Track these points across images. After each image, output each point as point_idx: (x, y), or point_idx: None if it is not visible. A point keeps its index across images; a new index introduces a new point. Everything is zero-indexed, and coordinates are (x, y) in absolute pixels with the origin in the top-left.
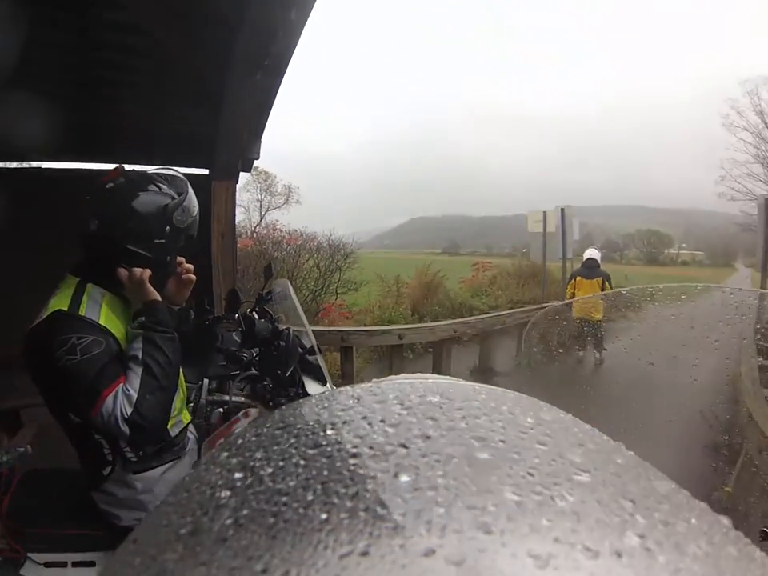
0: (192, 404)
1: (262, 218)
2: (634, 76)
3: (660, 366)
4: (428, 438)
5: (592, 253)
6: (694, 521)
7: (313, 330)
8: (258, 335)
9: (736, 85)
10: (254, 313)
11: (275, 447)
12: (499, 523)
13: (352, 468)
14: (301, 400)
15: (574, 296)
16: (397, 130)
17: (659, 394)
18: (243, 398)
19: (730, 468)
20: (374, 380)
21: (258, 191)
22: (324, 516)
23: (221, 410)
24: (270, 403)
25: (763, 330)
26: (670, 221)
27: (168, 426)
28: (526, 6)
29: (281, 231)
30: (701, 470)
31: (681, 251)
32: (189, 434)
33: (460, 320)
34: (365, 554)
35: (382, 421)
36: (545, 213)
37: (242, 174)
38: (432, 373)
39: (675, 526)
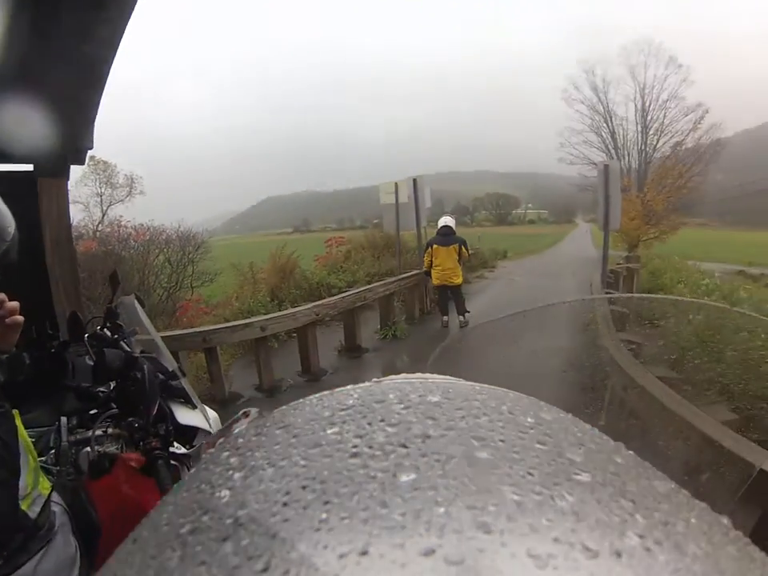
0: (53, 450)
1: (104, 215)
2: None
3: (531, 326)
4: (428, 437)
5: (447, 220)
6: (693, 520)
7: (173, 335)
8: (110, 367)
9: (574, 63)
10: (104, 330)
11: (275, 447)
12: (499, 523)
13: (352, 468)
14: (301, 400)
15: (431, 264)
16: (244, 108)
17: (532, 347)
18: (110, 438)
19: (600, 404)
20: (374, 379)
21: (97, 184)
22: (324, 515)
23: (88, 449)
24: (141, 443)
25: (609, 280)
26: (516, 183)
27: (25, 508)
28: None
29: (126, 228)
30: (578, 409)
31: (528, 210)
32: (53, 505)
33: (320, 302)
34: (364, 553)
35: (381, 420)
36: (396, 184)
37: (74, 167)
38: (300, 358)
39: (675, 525)
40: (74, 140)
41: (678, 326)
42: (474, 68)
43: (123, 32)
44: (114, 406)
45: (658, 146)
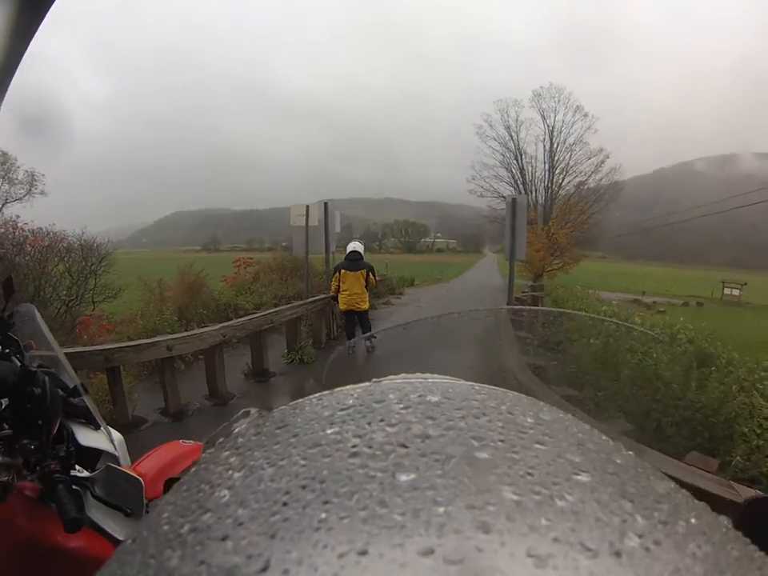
0: None
1: None
2: (406, 76)
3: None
4: (427, 437)
5: (355, 246)
6: (693, 520)
7: (72, 352)
8: (2, 382)
9: (490, 102)
10: None
11: (275, 446)
12: (498, 523)
13: (351, 467)
14: (301, 400)
15: (338, 288)
16: (156, 110)
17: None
18: (2, 461)
19: None
20: (374, 379)
21: None
22: (323, 515)
23: None
24: (37, 467)
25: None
26: (425, 213)
27: None
28: None
29: (23, 230)
30: None
31: (436, 239)
32: None
33: (228, 323)
34: (364, 552)
35: (381, 420)
36: (307, 207)
37: None
38: (206, 381)
39: (674, 525)
40: None
41: (577, 340)
42: (391, 98)
43: (38, 24)
44: (6, 427)
45: (563, 185)
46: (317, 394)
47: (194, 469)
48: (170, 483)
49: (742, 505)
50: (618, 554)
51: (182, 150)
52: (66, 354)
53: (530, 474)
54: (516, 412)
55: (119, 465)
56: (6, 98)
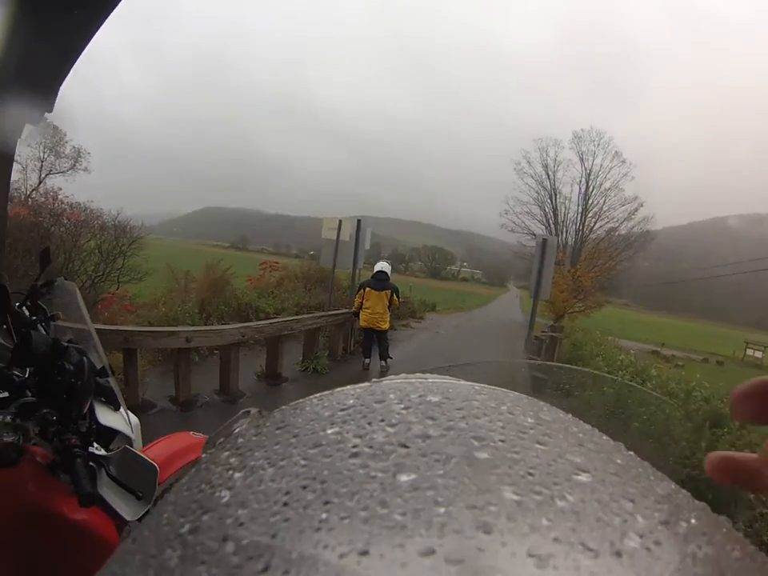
0: None
1: (40, 182)
2: (437, 112)
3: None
4: (428, 437)
5: (383, 266)
6: (693, 521)
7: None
8: (34, 351)
9: (530, 140)
10: (23, 309)
11: (275, 447)
12: (499, 523)
13: (352, 468)
14: (301, 400)
15: (361, 305)
16: (201, 113)
17: None
18: (15, 432)
19: None
20: (374, 380)
21: (41, 149)
22: (324, 515)
23: None
24: (54, 439)
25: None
26: (454, 240)
27: None
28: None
29: (62, 203)
30: None
31: (462, 268)
32: None
33: (248, 324)
34: (364, 553)
35: (381, 420)
36: (340, 221)
37: (27, 125)
38: (219, 377)
39: (675, 525)
40: (37, 98)
41: (592, 397)
42: (421, 131)
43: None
44: (29, 394)
45: (594, 228)
46: (317, 395)
47: (194, 469)
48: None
49: None
50: (618, 554)
51: (219, 149)
52: (82, 328)
53: (530, 474)
54: (516, 412)
55: (133, 447)
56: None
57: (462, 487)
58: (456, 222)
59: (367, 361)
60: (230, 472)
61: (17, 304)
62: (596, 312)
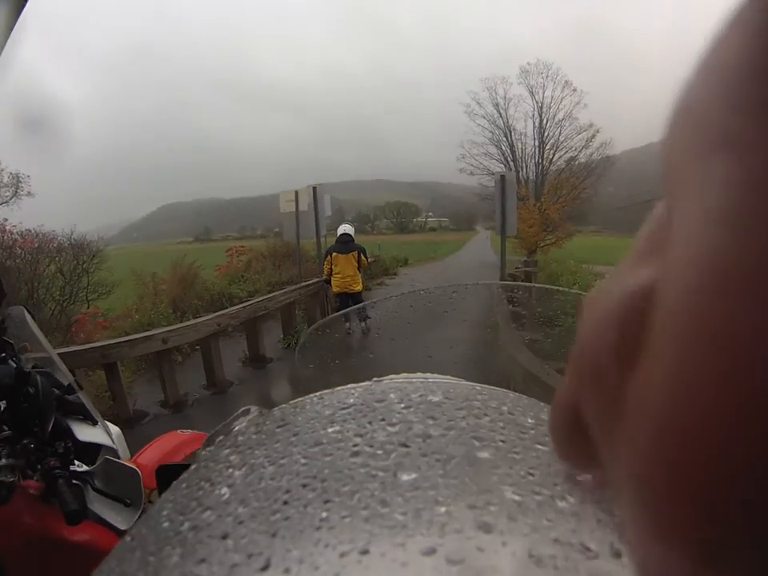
0: None
1: None
2: (383, 59)
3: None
4: (429, 437)
5: (345, 228)
6: None
7: (68, 352)
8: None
9: (474, 81)
10: None
11: (275, 445)
12: (500, 523)
13: (352, 466)
14: (301, 399)
15: (331, 271)
16: (137, 107)
17: (430, 349)
18: (4, 463)
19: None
20: (375, 378)
21: None
22: (324, 514)
23: None
24: (39, 465)
25: (509, 280)
26: (416, 193)
27: None
28: None
29: (11, 233)
30: None
31: (428, 219)
32: None
33: (222, 312)
34: (365, 552)
35: (382, 419)
36: (296, 192)
37: None
38: (204, 370)
39: None
40: None
41: (573, 315)
42: (370, 82)
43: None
44: (6, 429)
45: (553, 160)
46: (317, 393)
47: (193, 467)
48: (161, 470)
49: None
50: (618, 555)
51: (165, 145)
52: (60, 353)
53: (531, 474)
54: (517, 413)
55: (118, 458)
56: None
57: (463, 487)
58: (416, 173)
59: (347, 325)
60: (230, 470)
61: None
62: (567, 242)
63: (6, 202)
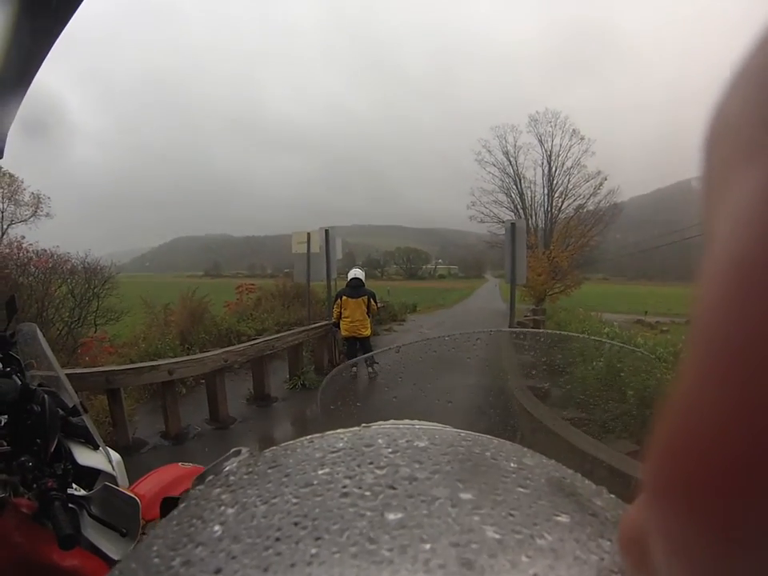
0: None
1: (3, 233)
2: (393, 101)
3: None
4: (415, 479)
5: (356, 273)
6: None
7: (73, 374)
8: (2, 399)
9: (480, 128)
10: None
11: (267, 485)
12: (481, 559)
13: (342, 506)
14: (292, 442)
15: (340, 315)
16: (154, 141)
17: (442, 399)
18: (5, 489)
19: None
20: (363, 424)
21: (0, 199)
22: (315, 550)
23: None
24: (35, 485)
25: (517, 332)
26: (426, 239)
27: None
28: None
29: (27, 251)
30: None
31: (438, 266)
32: None
33: (229, 348)
34: None
35: (370, 463)
36: (309, 234)
37: None
38: (208, 405)
39: None
40: None
41: (582, 363)
42: (380, 128)
43: (56, 38)
44: (5, 444)
45: (562, 208)
46: (308, 437)
47: (183, 504)
48: (166, 502)
49: None
50: None
51: (179, 178)
52: (66, 374)
53: (511, 514)
54: (500, 457)
55: (117, 485)
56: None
57: (446, 526)
58: (426, 220)
59: (354, 369)
60: (222, 507)
61: None
62: (576, 290)
63: (25, 220)
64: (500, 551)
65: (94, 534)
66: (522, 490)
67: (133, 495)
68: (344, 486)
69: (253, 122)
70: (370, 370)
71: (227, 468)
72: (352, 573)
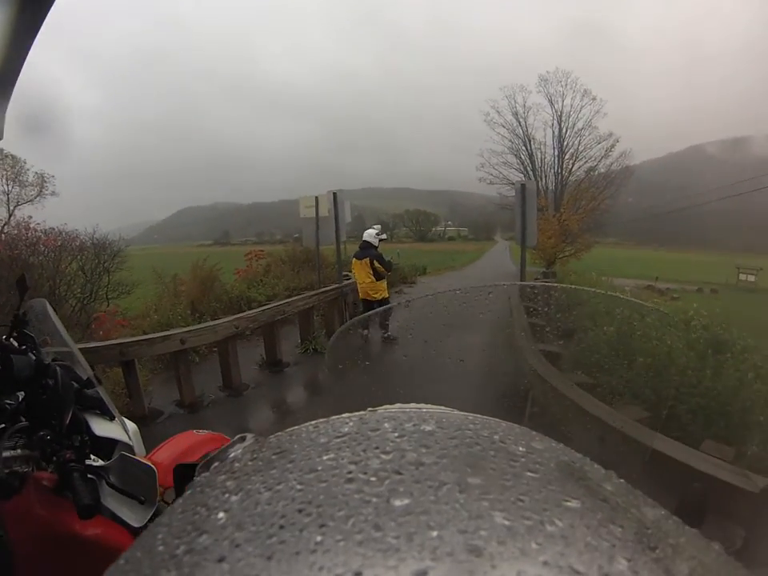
0: None
1: (10, 215)
2: (396, 65)
3: (449, 337)
4: (421, 464)
5: (365, 234)
6: (682, 546)
7: (87, 348)
8: (18, 376)
9: (488, 86)
10: (11, 340)
11: (272, 471)
12: (489, 546)
13: (347, 492)
14: (297, 427)
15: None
16: (152, 112)
17: (453, 359)
18: (20, 454)
19: (522, 408)
20: (369, 408)
21: (3, 181)
22: (319, 538)
23: None
24: (54, 458)
25: (528, 293)
26: (435, 201)
27: None
28: None
29: (35, 231)
30: (502, 414)
31: (447, 228)
32: None
33: (240, 315)
34: (359, 574)
35: (376, 448)
36: (317, 198)
37: None
38: (221, 372)
39: (664, 550)
40: None
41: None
42: (384, 88)
43: (46, 13)
44: (23, 419)
45: (573, 170)
46: (313, 422)
47: (188, 492)
48: (179, 470)
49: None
50: None
51: (182, 148)
52: (80, 348)
53: (520, 500)
54: (508, 441)
55: (134, 454)
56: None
57: (454, 512)
58: (435, 181)
59: (365, 332)
60: (227, 495)
61: (3, 337)
62: (586, 254)
63: (31, 200)
64: (509, 538)
65: (113, 502)
66: (531, 474)
67: (149, 463)
68: (349, 472)
69: (253, 86)
70: (385, 334)
71: (232, 454)
72: (357, 561)
